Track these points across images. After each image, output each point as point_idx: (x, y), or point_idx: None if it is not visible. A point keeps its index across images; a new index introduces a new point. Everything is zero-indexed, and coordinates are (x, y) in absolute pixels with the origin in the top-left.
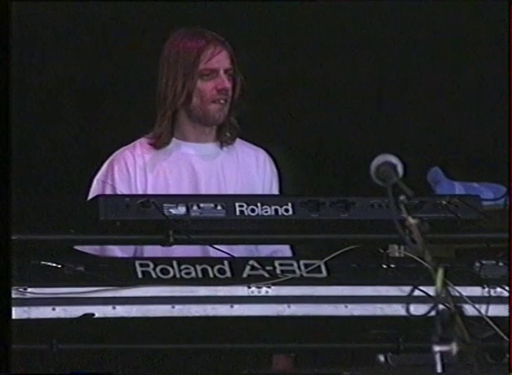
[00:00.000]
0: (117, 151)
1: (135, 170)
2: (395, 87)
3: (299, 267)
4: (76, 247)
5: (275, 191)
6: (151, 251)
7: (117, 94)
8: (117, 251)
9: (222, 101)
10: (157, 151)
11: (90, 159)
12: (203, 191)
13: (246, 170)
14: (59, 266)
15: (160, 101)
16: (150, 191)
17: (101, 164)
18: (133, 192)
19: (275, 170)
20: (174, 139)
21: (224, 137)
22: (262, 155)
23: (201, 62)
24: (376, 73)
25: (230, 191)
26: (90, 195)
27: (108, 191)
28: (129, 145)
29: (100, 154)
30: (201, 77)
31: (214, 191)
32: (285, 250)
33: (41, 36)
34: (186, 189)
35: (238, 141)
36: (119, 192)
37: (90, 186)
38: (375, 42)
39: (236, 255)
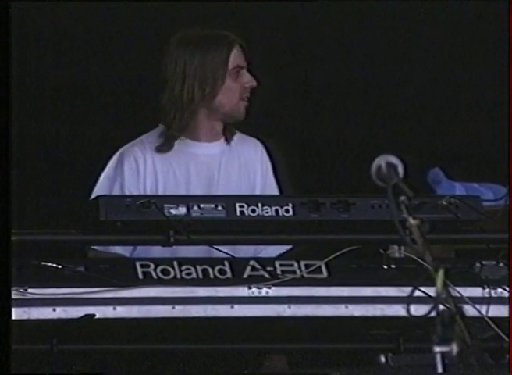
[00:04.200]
0: (124, 147)
1: (145, 169)
2: (396, 88)
3: (299, 268)
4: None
5: (272, 182)
6: (152, 251)
7: (119, 94)
8: (117, 252)
9: (247, 99)
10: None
11: (91, 160)
12: (214, 189)
13: (246, 166)
14: (60, 267)
15: (183, 102)
16: (161, 192)
17: (105, 163)
18: (142, 191)
19: (269, 161)
20: (186, 140)
21: (229, 133)
22: (259, 147)
23: (231, 62)
24: (377, 73)
25: (238, 186)
26: (96, 192)
27: (117, 188)
28: (136, 141)
29: (100, 154)
30: (231, 76)
31: (224, 188)
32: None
33: (41, 36)
34: (196, 189)
35: (237, 133)
36: (127, 190)
37: (95, 183)
38: (375, 42)
39: (236, 256)
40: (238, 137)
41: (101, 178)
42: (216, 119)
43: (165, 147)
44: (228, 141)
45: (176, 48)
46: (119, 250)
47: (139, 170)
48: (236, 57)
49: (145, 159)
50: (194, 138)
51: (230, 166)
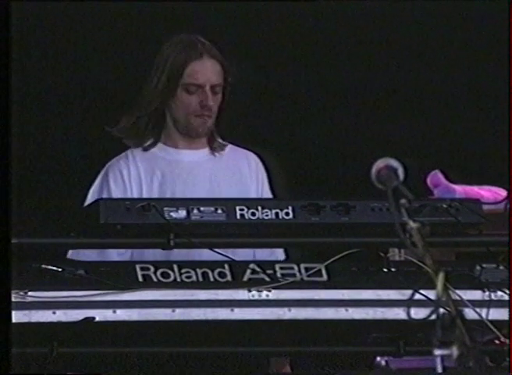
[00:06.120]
0: (109, 162)
1: (130, 180)
2: (396, 90)
3: (299, 271)
4: (78, 251)
5: (268, 193)
6: (152, 254)
7: (118, 96)
8: (116, 255)
9: (206, 117)
10: (150, 159)
11: (91, 163)
12: (197, 194)
13: (239, 176)
14: (60, 270)
15: (140, 100)
16: None
17: (97, 173)
18: None
19: (265, 173)
20: (166, 147)
21: (215, 144)
22: (253, 159)
23: (186, 76)
24: (377, 76)
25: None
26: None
27: None
28: (121, 155)
29: (101, 157)
30: (186, 90)
31: (212, 196)
32: (278, 252)
33: (41, 36)
34: (182, 195)
35: (229, 146)
36: None
37: (85, 197)
38: (373, 44)
39: (236, 259)
40: (231, 149)
41: (90, 192)
42: (181, 131)
43: (135, 140)
44: (212, 149)
45: (160, 53)
46: (113, 255)
47: (124, 180)
48: (196, 72)
49: (129, 169)
50: (173, 146)
51: (221, 176)
